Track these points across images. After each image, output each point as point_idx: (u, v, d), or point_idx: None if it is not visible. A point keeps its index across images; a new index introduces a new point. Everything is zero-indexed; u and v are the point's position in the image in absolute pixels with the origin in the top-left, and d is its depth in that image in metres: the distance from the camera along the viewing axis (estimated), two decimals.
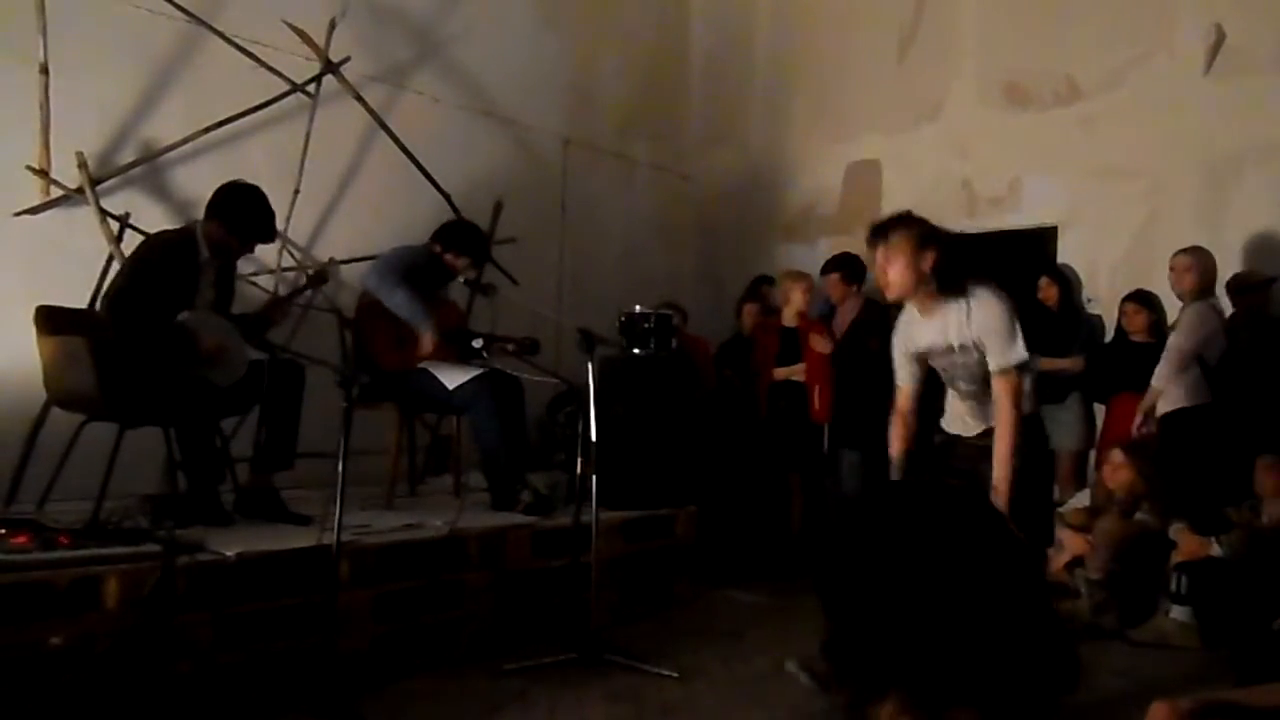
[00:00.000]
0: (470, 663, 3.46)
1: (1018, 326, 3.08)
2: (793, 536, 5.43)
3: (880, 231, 3.17)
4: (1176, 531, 4.17)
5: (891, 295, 3.22)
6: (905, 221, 3.16)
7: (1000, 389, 3.08)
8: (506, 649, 3.53)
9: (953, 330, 3.14)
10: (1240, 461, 4.29)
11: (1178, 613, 4.03)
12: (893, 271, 3.13)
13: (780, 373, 5.48)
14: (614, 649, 3.47)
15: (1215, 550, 4.05)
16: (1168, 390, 4.69)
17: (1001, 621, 1.04)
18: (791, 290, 5.55)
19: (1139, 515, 4.39)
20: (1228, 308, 4.86)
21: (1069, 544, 4.47)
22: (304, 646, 3.07)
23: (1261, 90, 5.11)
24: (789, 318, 5.54)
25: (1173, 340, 4.73)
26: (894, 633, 1.05)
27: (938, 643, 1.03)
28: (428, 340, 4.22)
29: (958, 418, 3.38)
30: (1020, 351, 3.06)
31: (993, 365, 3.09)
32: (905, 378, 3.37)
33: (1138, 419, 4.74)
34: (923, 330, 3.24)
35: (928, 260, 3.09)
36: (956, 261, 3.14)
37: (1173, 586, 4.06)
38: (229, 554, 3.04)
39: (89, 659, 2.70)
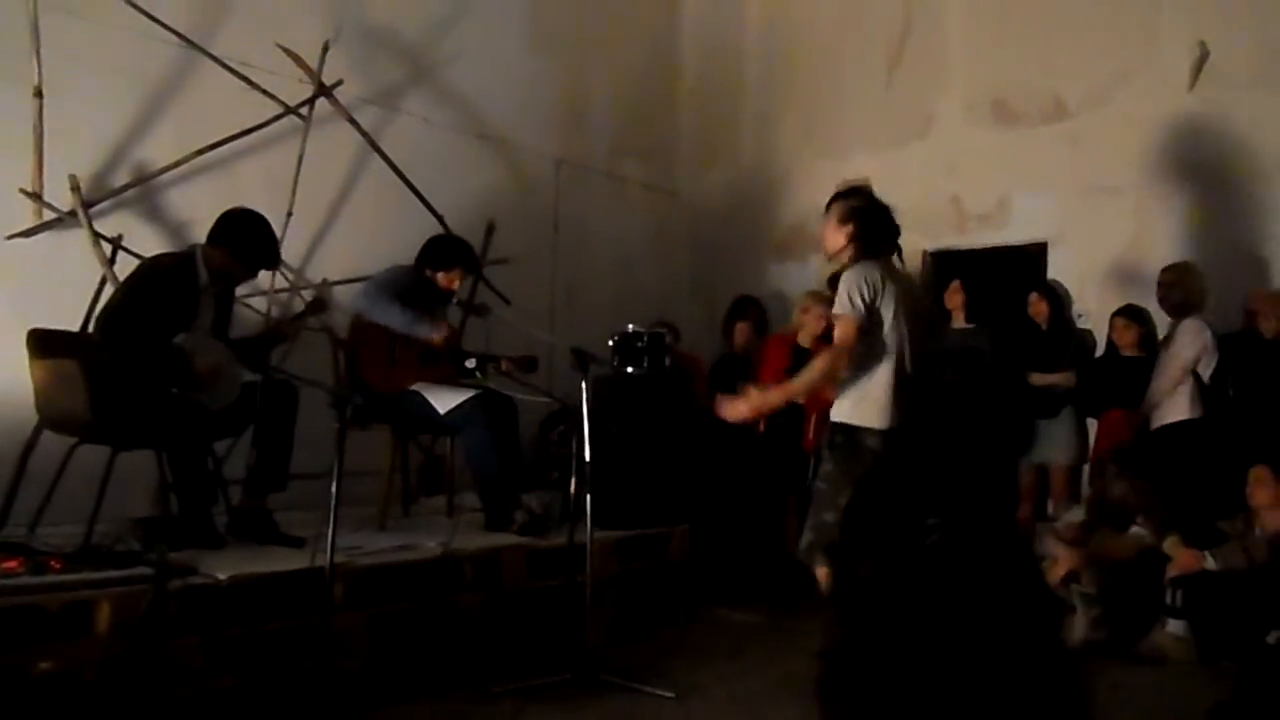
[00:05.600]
0: (465, 684, 3.44)
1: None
2: (788, 556, 5.41)
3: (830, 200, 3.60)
4: (1170, 545, 4.17)
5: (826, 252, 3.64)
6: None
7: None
8: (501, 670, 3.52)
9: None
10: (1233, 474, 4.31)
11: (1174, 627, 4.03)
12: (825, 231, 3.56)
13: None
14: (609, 669, 3.46)
15: (1209, 564, 4.05)
16: (1162, 404, 4.72)
17: (1025, 684, 1.04)
18: (810, 311, 5.51)
19: (1133, 529, 4.40)
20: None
21: (1063, 559, 4.47)
22: (298, 669, 3.06)
23: (1245, 106, 5.16)
24: (805, 339, 5.51)
25: (1167, 354, 4.76)
26: (914, 682, 1.04)
27: (954, 696, 1.03)
28: (438, 336, 4.19)
29: None
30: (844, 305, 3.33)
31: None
32: None
33: (1131, 433, 4.77)
34: None
35: (845, 231, 3.49)
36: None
37: (1168, 600, 4.07)
38: (221, 577, 3.04)
39: (80, 684, 2.68)
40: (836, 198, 3.60)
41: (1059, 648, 1.08)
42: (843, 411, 3.39)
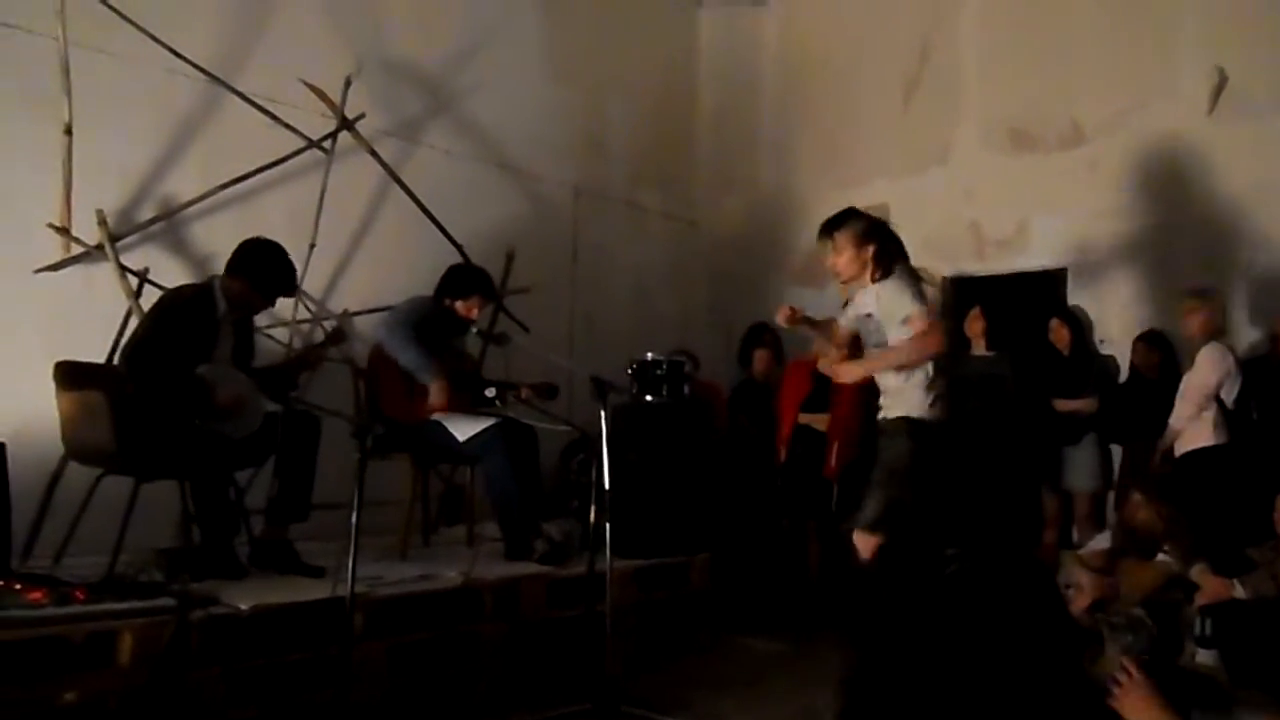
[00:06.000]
0: (485, 714, 3.43)
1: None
2: (810, 583, 5.37)
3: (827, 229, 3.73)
4: (1198, 573, 4.11)
5: (839, 281, 3.87)
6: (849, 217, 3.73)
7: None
8: (521, 700, 3.50)
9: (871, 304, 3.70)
10: (1260, 500, 4.25)
11: (1204, 656, 3.96)
12: (840, 261, 3.68)
13: (804, 418, 5.44)
14: (630, 699, 3.43)
15: (1238, 591, 3.99)
16: (1186, 430, 4.67)
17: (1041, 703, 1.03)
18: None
19: (1160, 557, 4.33)
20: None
21: (1090, 587, 4.41)
22: (318, 700, 3.05)
23: (1264, 131, 5.14)
24: (826, 365, 5.48)
25: (1190, 380, 4.72)
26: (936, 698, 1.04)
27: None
28: (437, 393, 4.18)
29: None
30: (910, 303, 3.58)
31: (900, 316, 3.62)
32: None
33: (1155, 459, 4.72)
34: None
35: (867, 252, 3.65)
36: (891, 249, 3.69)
37: (1197, 629, 4.00)
38: (243, 607, 3.04)
39: (103, 715, 2.69)
40: (838, 225, 3.70)
41: (1079, 676, 1.07)
42: (910, 406, 3.62)
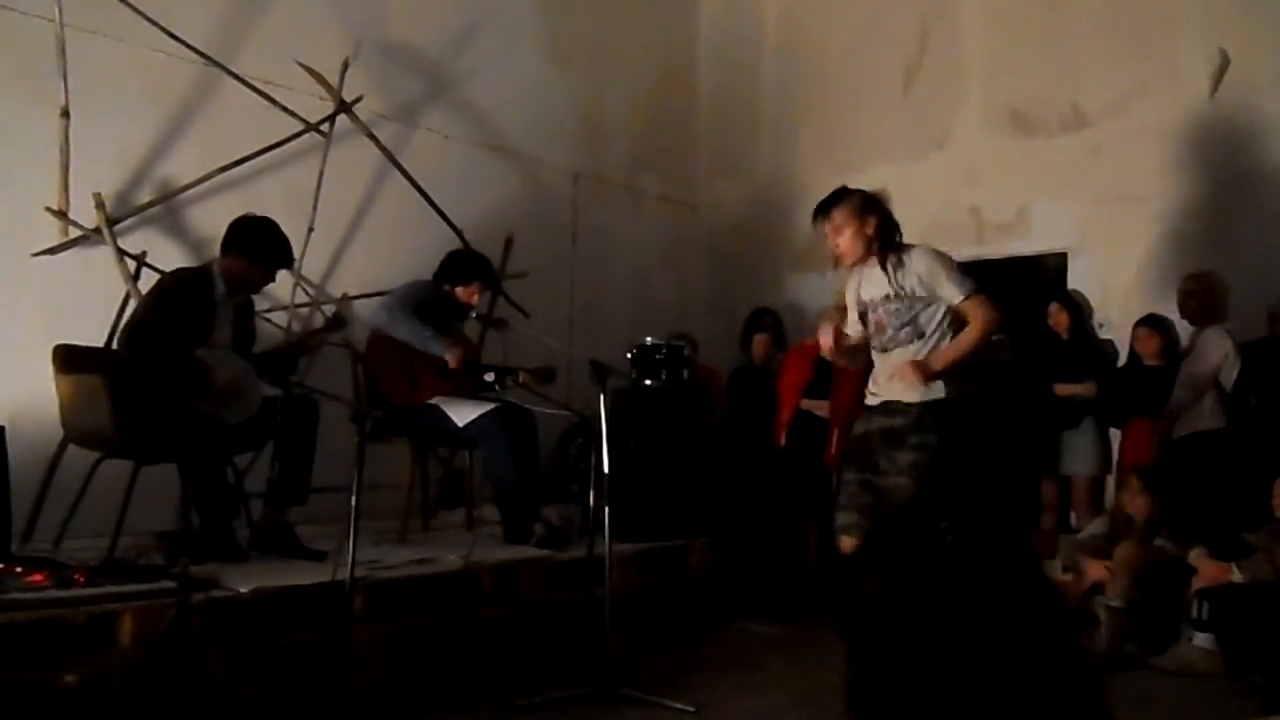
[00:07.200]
0: (485, 698, 3.44)
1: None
2: (809, 568, 5.39)
3: (824, 208, 3.50)
4: (1196, 557, 4.13)
5: (846, 263, 3.54)
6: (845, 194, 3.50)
7: (969, 311, 3.37)
8: (521, 683, 3.51)
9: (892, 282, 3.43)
10: (1258, 485, 4.26)
11: (1200, 640, 3.98)
12: (843, 241, 3.45)
13: (805, 403, 5.44)
14: (629, 682, 3.45)
15: (1235, 575, 4.00)
16: (1185, 414, 4.68)
17: (1037, 688, 1.02)
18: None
19: (1158, 541, 4.35)
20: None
21: (1088, 571, 4.43)
22: (318, 683, 3.07)
23: (1267, 114, 5.12)
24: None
25: (1188, 364, 4.72)
26: (928, 688, 1.03)
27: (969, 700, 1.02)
28: (452, 358, 4.22)
29: (876, 378, 3.58)
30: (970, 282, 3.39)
31: (955, 298, 3.38)
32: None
33: (1154, 444, 4.73)
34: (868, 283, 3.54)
35: (870, 225, 3.44)
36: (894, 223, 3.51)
37: (1194, 613, 4.02)
38: (243, 590, 3.05)
39: (103, 697, 2.70)
40: (834, 203, 3.49)
41: (1078, 659, 1.06)
42: (936, 389, 3.38)
